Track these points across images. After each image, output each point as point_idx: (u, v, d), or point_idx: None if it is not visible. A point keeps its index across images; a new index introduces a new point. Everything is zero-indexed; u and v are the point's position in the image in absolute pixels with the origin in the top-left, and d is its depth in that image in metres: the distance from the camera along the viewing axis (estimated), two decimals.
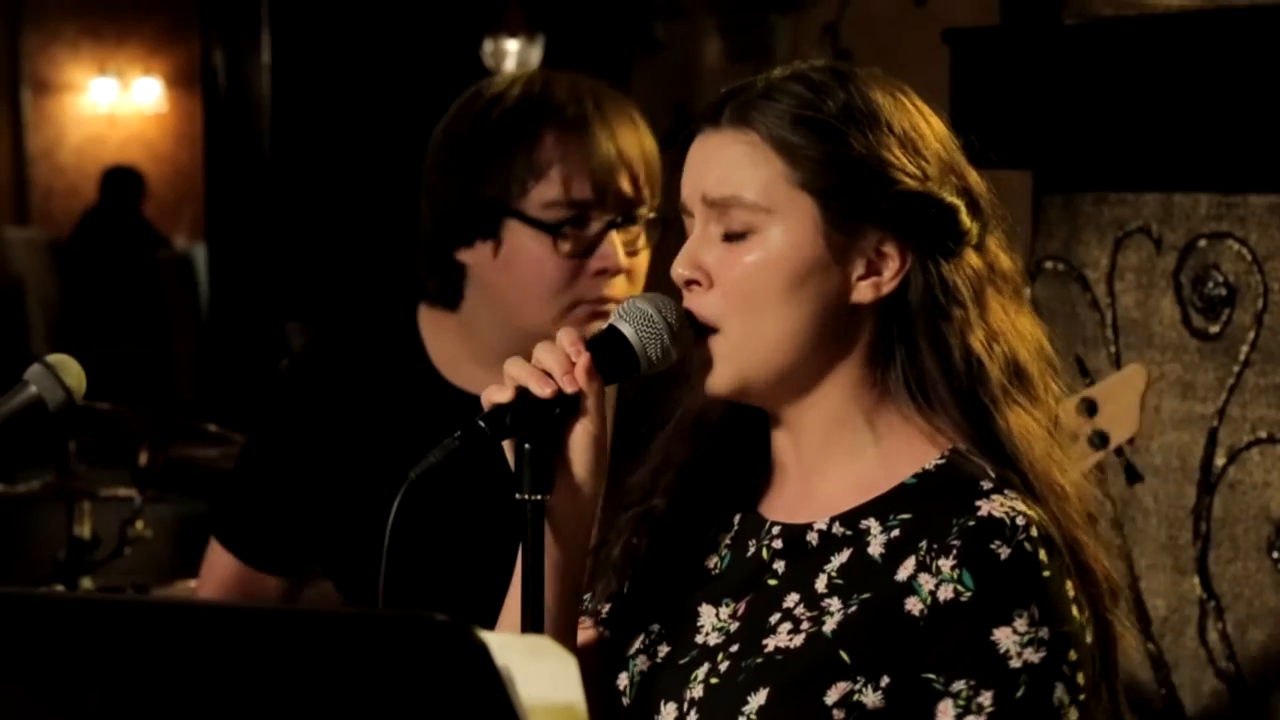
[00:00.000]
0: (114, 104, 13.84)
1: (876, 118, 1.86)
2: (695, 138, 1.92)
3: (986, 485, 1.82)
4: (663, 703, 1.87)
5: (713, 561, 1.95)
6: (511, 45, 6.30)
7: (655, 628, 1.93)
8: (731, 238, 1.86)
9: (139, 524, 3.71)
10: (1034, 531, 1.78)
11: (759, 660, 1.82)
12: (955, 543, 1.78)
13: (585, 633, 1.99)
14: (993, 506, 1.79)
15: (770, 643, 1.83)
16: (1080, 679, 1.78)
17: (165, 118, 13.86)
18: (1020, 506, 1.80)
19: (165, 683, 1.40)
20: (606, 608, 2.00)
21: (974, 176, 1.91)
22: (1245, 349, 3.24)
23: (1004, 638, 1.76)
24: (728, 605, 1.90)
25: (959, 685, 1.76)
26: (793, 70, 1.90)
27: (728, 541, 1.95)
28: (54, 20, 13.69)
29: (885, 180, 1.84)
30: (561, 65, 6.44)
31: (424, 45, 6.48)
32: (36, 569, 4.39)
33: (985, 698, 1.75)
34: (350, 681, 1.33)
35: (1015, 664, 1.75)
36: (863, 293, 1.86)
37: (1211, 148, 3.32)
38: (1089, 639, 1.81)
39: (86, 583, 3.71)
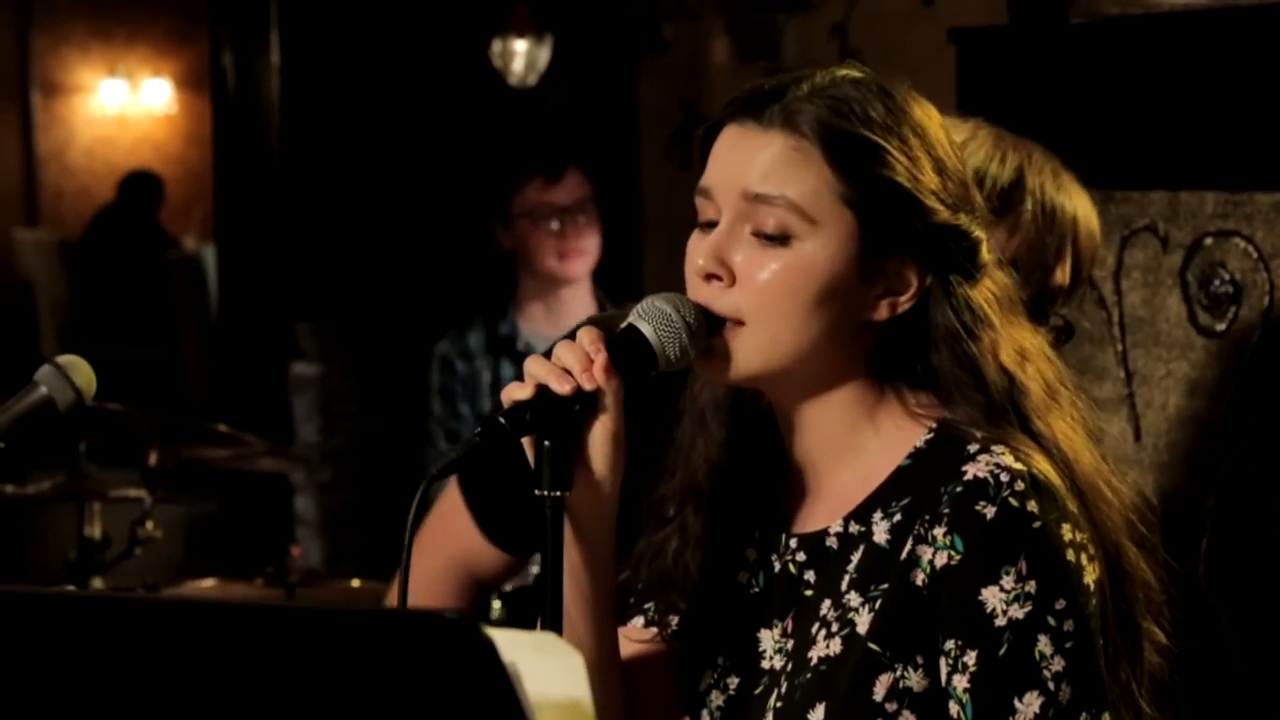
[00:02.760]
0: (124, 105, 13.85)
1: (920, 140, 1.87)
2: (726, 126, 1.92)
3: (973, 448, 1.84)
4: None
5: (747, 579, 1.97)
6: (519, 45, 6.30)
7: (721, 660, 1.95)
8: (763, 238, 1.86)
9: (149, 524, 3.72)
10: (1019, 485, 1.80)
11: (809, 675, 1.84)
12: (945, 510, 1.81)
13: (651, 645, 2.00)
14: (977, 468, 1.81)
15: (813, 654, 1.85)
16: (1069, 626, 1.79)
17: (175, 119, 13.88)
18: (1006, 461, 1.82)
19: (175, 679, 1.41)
20: (675, 620, 2.01)
21: (977, 195, 1.93)
22: (1251, 347, 3.24)
23: (991, 597, 1.79)
24: (778, 625, 1.93)
25: (949, 645, 1.80)
26: (833, 79, 1.89)
27: (755, 557, 1.97)
28: (63, 22, 13.72)
29: (924, 210, 1.85)
30: (569, 66, 6.45)
31: (432, 46, 6.48)
32: (48, 569, 4.40)
33: (970, 656, 1.79)
34: (360, 678, 1.34)
35: (1000, 622, 1.78)
36: (881, 311, 1.88)
37: (1218, 146, 3.32)
38: (1090, 579, 1.83)
39: (97, 583, 3.72)
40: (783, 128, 1.86)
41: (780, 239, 1.85)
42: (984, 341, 1.88)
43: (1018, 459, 1.82)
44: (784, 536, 1.94)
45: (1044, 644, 1.79)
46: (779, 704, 1.87)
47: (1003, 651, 1.78)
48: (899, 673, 1.80)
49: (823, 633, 1.86)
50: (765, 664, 1.92)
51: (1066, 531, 1.82)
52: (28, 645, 1.46)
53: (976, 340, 1.88)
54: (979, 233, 1.89)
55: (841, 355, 1.89)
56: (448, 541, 2.66)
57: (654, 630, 2.01)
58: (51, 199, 13.69)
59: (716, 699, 1.95)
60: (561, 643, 1.40)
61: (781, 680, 1.89)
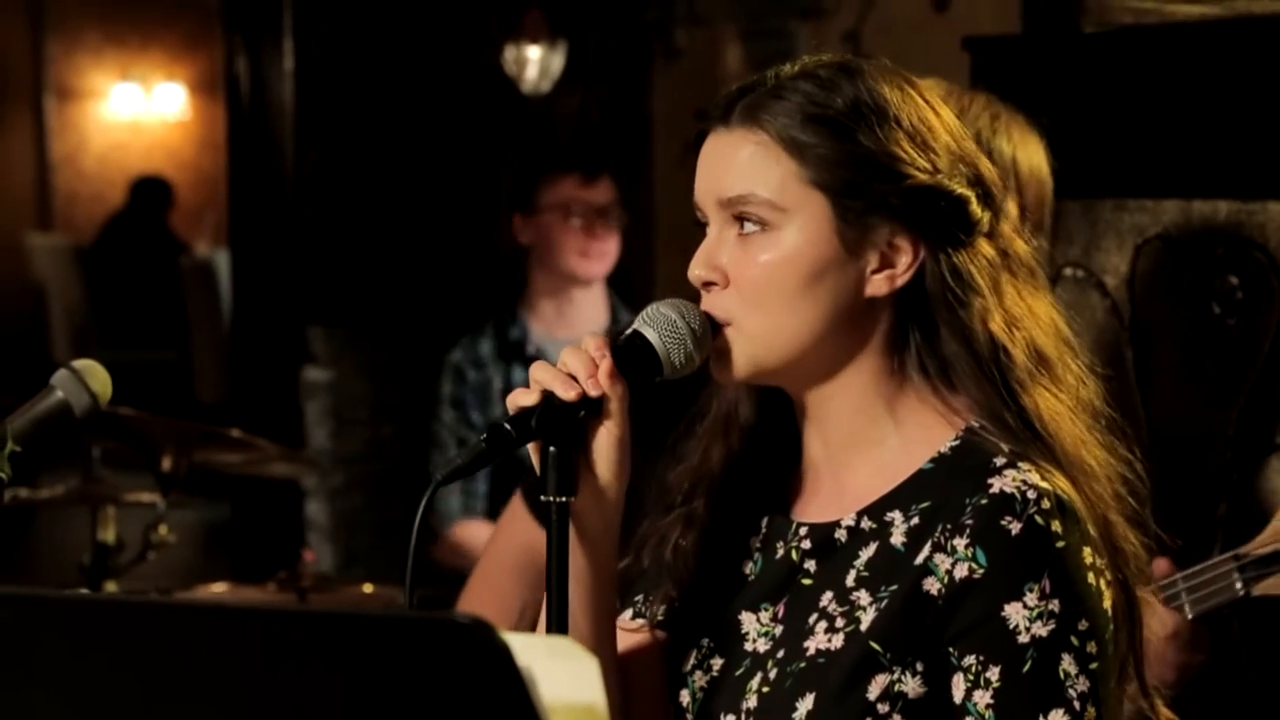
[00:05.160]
0: (137, 110, 13.86)
1: (885, 112, 1.88)
2: (707, 137, 1.94)
3: (1000, 461, 1.84)
4: (722, 715, 1.90)
5: (748, 567, 1.97)
6: (533, 52, 6.30)
7: (705, 642, 1.96)
8: (746, 237, 1.88)
9: (162, 529, 3.72)
10: (1045, 504, 1.80)
11: (802, 665, 1.84)
12: (969, 521, 1.81)
13: (641, 636, 2.01)
14: (1004, 483, 1.81)
15: (810, 645, 1.85)
16: (1091, 647, 1.80)
17: (188, 124, 13.89)
18: (1033, 479, 1.82)
19: (190, 682, 1.42)
20: (662, 609, 2.01)
21: (985, 165, 1.93)
22: (1263, 356, 3.24)
23: (1014, 613, 1.78)
24: (767, 609, 1.93)
25: (969, 660, 1.79)
26: (801, 67, 1.92)
27: (758, 545, 1.97)
28: (77, 26, 13.73)
29: (895, 175, 1.86)
30: (583, 72, 6.45)
31: (445, 52, 6.49)
32: (61, 573, 4.41)
33: (993, 672, 1.78)
34: (376, 682, 1.34)
35: (1024, 639, 1.78)
36: (877, 286, 1.89)
37: (1231, 155, 3.32)
38: (1108, 604, 1.83)
39: (111, 587, 3.72)
40: (744, 125, 1.90)
41: (760, 234, 1.87)
42: (973, 309, 1.88)
43: (1043, 478, 1.82)
44: (794, 524, 1.94)
45: (1068, 663, 1.78)
46: (765, 688, 1.87)
47: (1026, 669, 1.78)
48: (896, 675, 1.80)
49: (823, 625, 1.86)
50: (748, 646, 1.92)
51: (1087, 555, 1.82)
52: (42, 648, 1.46)
53: (966, 307, 1.88)
54: (961, 190, 1.89)
55: (849, 338, 1.89)
56: (514, 538, 2.78)
57: (642, 621, 2.02)
58: (65, 203, 13.70)
59: (699, 679, 1.95)
60: (576, 647, 1.41)
61: (768, 664, 1.88)
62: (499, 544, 2.96)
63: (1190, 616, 2.64)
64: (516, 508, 2.89)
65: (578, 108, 6.48)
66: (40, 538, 7.11)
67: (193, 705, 1.42)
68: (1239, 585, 2.60)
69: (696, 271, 1.91)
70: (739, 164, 1.89)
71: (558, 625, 1.81)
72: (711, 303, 1.90)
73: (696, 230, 1.98)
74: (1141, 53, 3.48)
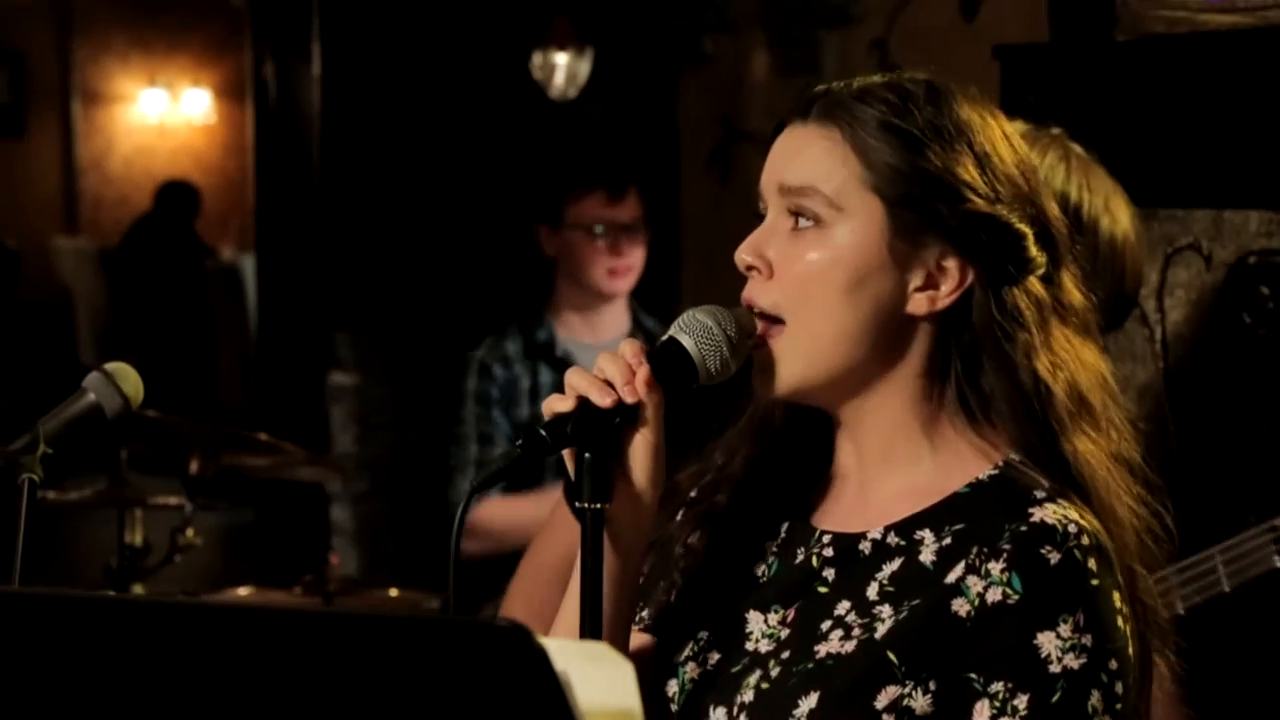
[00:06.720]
0: (163, 115, 13.90)
1: (959, 135, 1.88)
2: (784, 130, 1.95)
3: (1040, 494, 1.84)
4: (712, 708, 1.89)
5: (760, 569, 1.97)
6: (560, 58, 6.31)
7: (704, 635, 1.95)
8: (799, 232, 1.89)
9: (189, 532, 3.73)
10: (1085, 540, 1.80)
11: (810, 665, 1.84)
12: (1006, 547, 1.80)
13: (635, 638, 2.01)
14: (1045, 513, 1.81)
15: (822, 649, 1.84)
16: (1119, 688, 1.79)
17: (214, 129, 13.93)
18: (1074, 515, 1.82)
19: (226, 684, 1.42)
20: (652, 613, 2.01)
21: (1053, 210, 1.93)
22: None
23: (1046, 642, 1.78)
24: (776, 612, 1.92)
25: (997, 686, 1.78)
26: (890, 78, 1.93)
27: (775, 549, 1.97)
28: (104, 31, 13.78)
29: (956, 197, 1.86)
30: (610, 79, 6.45)
31: (473, 58, 6.50)
32: (89, 575, 4.43)
33: (1021, 700, 1.77)
34: (411, 685, 1.34)
35: (1055, 669, 1.77)
36: (918, 304, 1.88)
37: (1262, 165, 3.32)
38: (1132, 651, 1.82)
39: (138, 589, 3.74)
40: (820, 122, 1.91)
41: (813, 231, 1.88)
42: (1018, 344, 1.88)
43: (1082, 517, 1.82)
44: (817, 531, 1.94)
45: (1096, 699, 1.77)
46: (765, 685, 1.86)
47: (1055, 699, 1.77)
48: (907, 689, 1.80)
49: (838, 632, 1.85)
50: (750, 645, 1.91)
51: (1117, 599, 1.82)
52: (72, 649, 1.47)
53: (1011, 342, 1.87)
54: (1020, 226, 1.89)
55: (886, 354, 1.89)
56: (556, 547, 2.76)
57: (636, 627, 2.02)
58: (91, 207, 13.75)
59: (691, 670, 1.93)
60: (612, 652, 1.41)
61: (769, 664, 1.87)
62: (540, 554, 2.93)
63: (1227, 589, 2.63)
64: (558, 516, 2.87)
65: (604, 114, 6.48)
66: (67, 540, 7.13)
67: (226, 707, 1.42)
68: (1277, 559, 2.60)
69: (743, 256, 1.92)
70: (807, 156, 1.90)
71: (591, 630, 1.80)
72: (754, 290, 1.91)
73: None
74: (1173, 62, 3.47)
